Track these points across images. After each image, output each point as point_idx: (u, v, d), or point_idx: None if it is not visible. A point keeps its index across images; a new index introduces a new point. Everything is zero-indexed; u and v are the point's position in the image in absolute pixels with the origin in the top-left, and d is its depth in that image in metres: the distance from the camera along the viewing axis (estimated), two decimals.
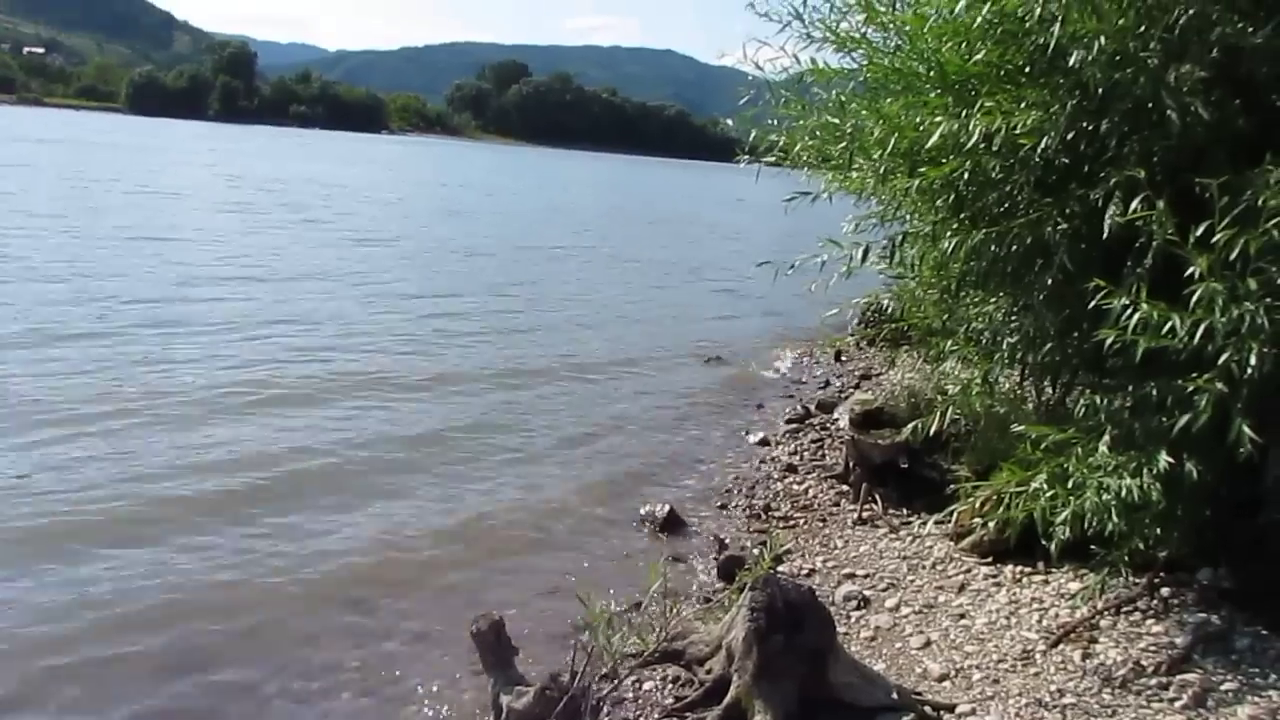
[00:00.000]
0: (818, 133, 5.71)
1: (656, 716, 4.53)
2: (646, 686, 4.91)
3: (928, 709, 4.28)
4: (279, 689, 5.02)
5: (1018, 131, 4.47)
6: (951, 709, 4.32)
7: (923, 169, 4.89)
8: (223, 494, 7.35)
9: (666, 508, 7.55)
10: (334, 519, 7.11)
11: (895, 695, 4.29)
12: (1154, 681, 4.34)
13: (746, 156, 6.12)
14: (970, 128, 4.56)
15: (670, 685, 4.88)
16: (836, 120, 5.55)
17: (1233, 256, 3.81)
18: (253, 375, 10.66)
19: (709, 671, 4.51)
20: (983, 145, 4.63)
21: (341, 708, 4.88)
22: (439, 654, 5.39)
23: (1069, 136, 4.54)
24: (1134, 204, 4.12)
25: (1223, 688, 4.23)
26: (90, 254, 17.61)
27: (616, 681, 4.29)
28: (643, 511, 7.65)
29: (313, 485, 7.69)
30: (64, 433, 8.24)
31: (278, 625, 5.63)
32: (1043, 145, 4.49)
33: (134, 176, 36.11)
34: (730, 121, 6.27)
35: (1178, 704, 4.17)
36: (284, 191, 36.09)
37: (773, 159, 6.00)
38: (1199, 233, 3.88)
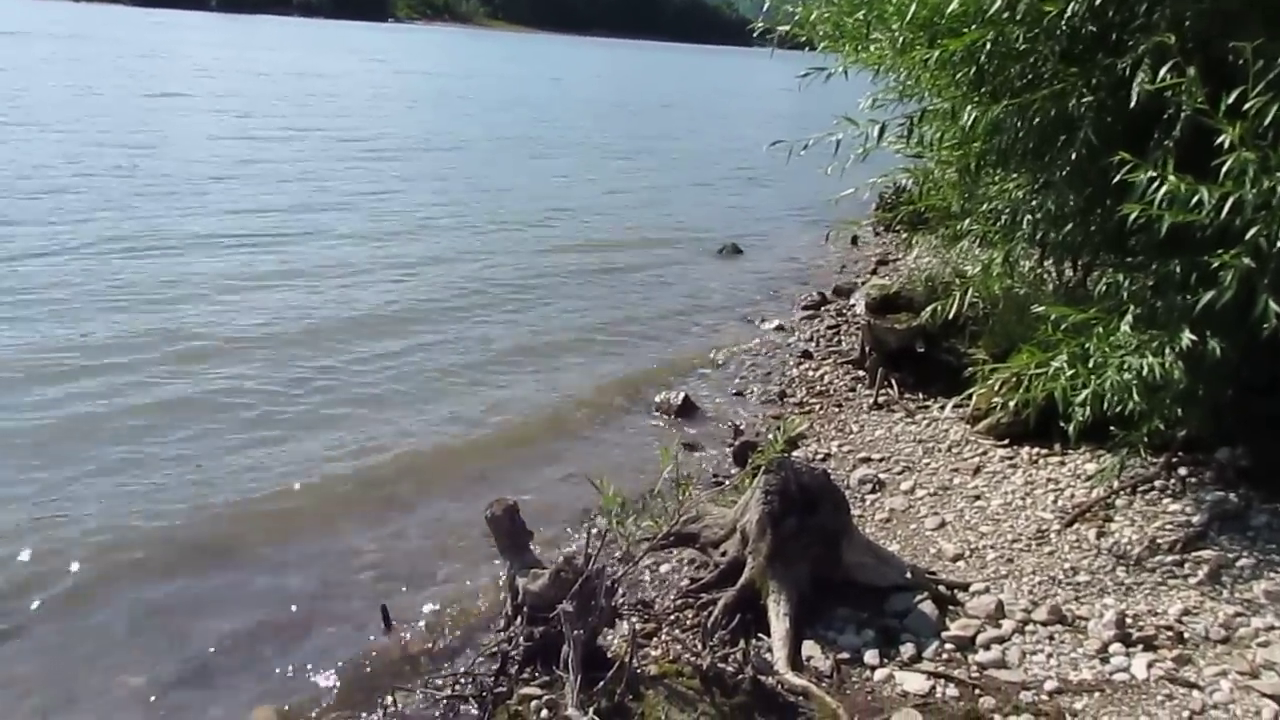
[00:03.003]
0: (834, 3, 5.49)
1: (673, 598, 4.58)
2: (664, 569, 4.96)
3: (941, 588, 4.31)
4: (300, 573, 5.11)
5: None
6: (965, 587, 4.35)
7: (943, 40, 4.70)
8: (241, 393, 7.36)
9: (681, 395, 7.54)
10: (351, 414, 7.13)
11: (909, 575, 4.32)
12: (1169, 559, 4.35)
13: (761, 26, 5.89)
14: None
15: (686, 568, 4.94)
16: None
17: (1265, 125, 3.67)
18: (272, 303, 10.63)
19: (724, 554, 4.54)
20: (1006, 13, 4.44)
21: (361, 591, 4.95)
22: (456, 539, 5.46)
23: (1097, 3, 4.34)
24: (1163, 72, 3.95)
25: (1238, 564, 4.23)
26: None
27: (632, 564, 4.33)
28: (658, 399, 7.64)
29: (331, 384, 7.69)
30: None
31: (298, 514, 5.70)
32: (1069, 12, 4.30)
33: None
34: None
35: (1193, 580, 4.18)
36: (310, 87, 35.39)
37: (787, 29, 5.78)
38: (1230, 100, 3.73)
